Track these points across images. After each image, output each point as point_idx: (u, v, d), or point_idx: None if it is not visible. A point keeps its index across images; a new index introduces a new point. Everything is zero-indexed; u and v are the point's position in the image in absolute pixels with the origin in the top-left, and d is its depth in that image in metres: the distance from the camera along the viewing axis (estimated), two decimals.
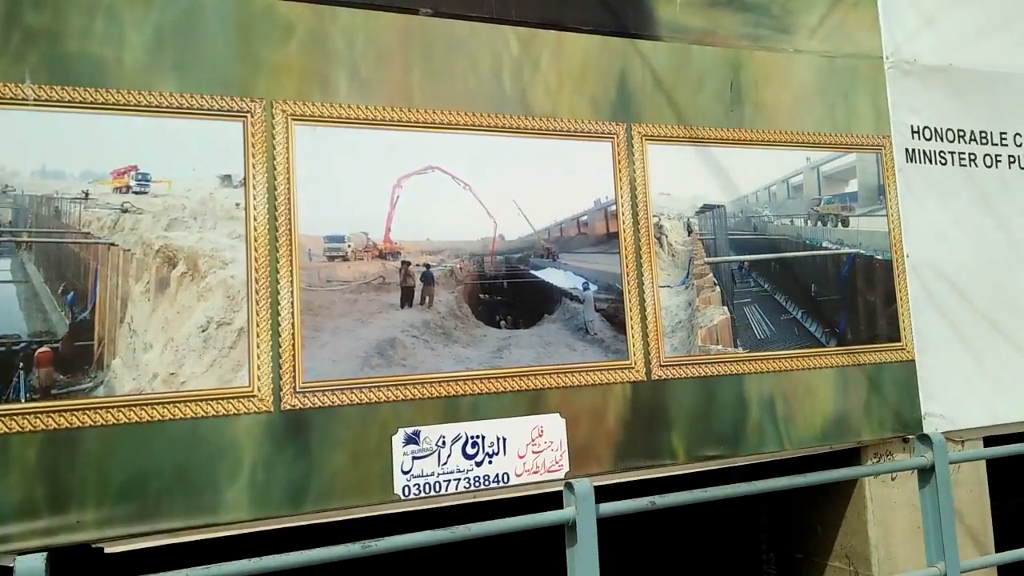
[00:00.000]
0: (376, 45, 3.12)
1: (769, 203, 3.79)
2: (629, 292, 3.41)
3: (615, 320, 3.38)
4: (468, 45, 3.28)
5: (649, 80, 3.58)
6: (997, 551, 3.90)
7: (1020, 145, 4.44)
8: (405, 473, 2.93)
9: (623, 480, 3.27)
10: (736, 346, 3.58)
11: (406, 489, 2.92)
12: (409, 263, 3.10)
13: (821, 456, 3.74)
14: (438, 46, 3.23)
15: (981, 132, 4.33)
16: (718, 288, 3.61)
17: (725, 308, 3.60)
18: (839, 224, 3.93)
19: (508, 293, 3.25)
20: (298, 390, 2.82)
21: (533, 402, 3.18)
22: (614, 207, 3.44)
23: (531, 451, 3.14)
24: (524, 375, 3.17)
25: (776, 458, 3.60)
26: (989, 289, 4.21)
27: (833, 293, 3.86)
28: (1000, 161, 4.37)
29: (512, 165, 3.30)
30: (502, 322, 3.20)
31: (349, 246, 3.01)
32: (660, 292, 3.46)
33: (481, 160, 3.25)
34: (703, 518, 4.14)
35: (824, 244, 3.89)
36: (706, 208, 3.64)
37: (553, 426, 3.19)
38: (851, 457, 3.82)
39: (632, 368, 3.36)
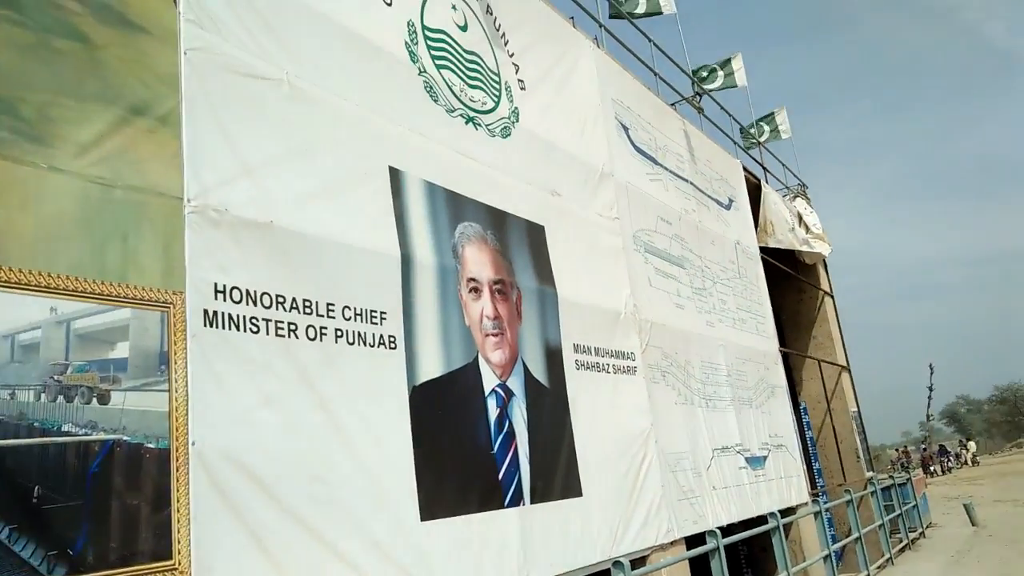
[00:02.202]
0: None
1: None
2: None
3: None
4: None
5: None
6: None
7: (349, 318, 4.09)
8: None
9: None
10: None
11: None
12: None
13: None
14: None
15: (306, 301, 3.86)
16: None
17: None
18: (94, 400, 2.91)
19: None
20: None
21: None
22: None
23: None
24: None
25: None
26: (303, 482, 3.58)
27: (72, 498, 2.76)
28: (326, 334, 3.93)
29: None
30: None
31: None
32: None
33: None
34: None
35: (66, 428, 2.81)
36: None
37: None
38: None
39: None
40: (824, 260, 15.73)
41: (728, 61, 13.88)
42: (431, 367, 4.67)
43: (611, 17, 10.53)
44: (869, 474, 14.32)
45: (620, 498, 6.25)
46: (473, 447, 4.84)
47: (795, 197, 15.34)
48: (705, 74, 13.83)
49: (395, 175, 4.78)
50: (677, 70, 11.18)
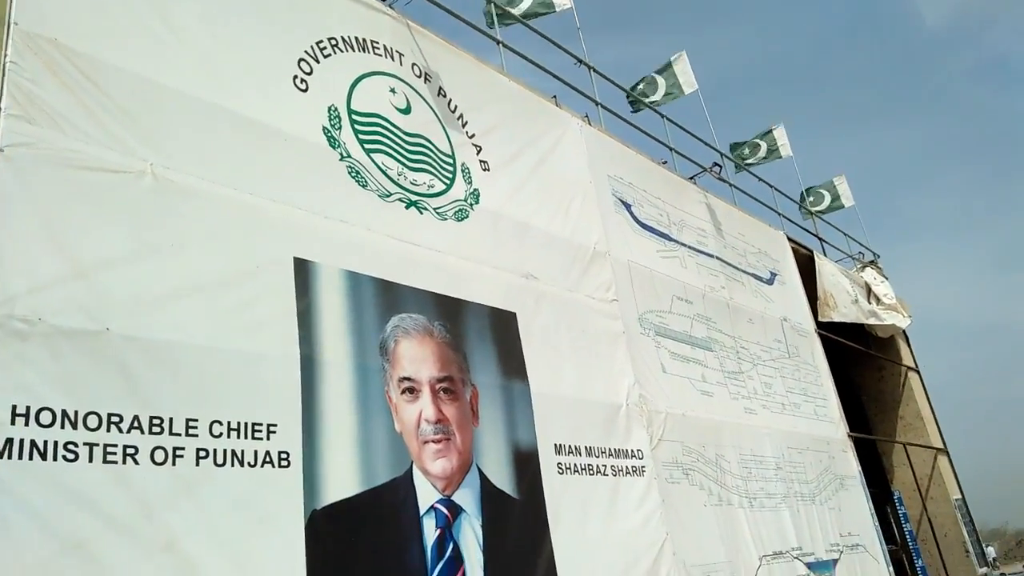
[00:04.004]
0: None
1: None
2: None
3: None
4: None
5: None
6: None
7: (219, 435, 3.53)
8: None
9: None
10: None
11: None
12: None
13: None
14: None
15: (154, 419, 3.33)
16: None
17: None
18: None
19: None
20: None
21: None
22: None
23: None
24: None
25: None
26: None
27: None
28: (181, 456, 3.37)
29: None
30: None
31: None
32: None
33: None
34: None
35: None
36: None
37: None
38: None
39: None
40: (905, 333, 14.31)
41: (769, 132, 13.17)
42: (342, 485, 4.03)
43: (633, 111, 10.11)
44: (983, 570, 12.43)
45: None
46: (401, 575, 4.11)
47: (863, 268, 14.14)
48: (746, 150, 13.13)
49: (302, 267, 4.29)
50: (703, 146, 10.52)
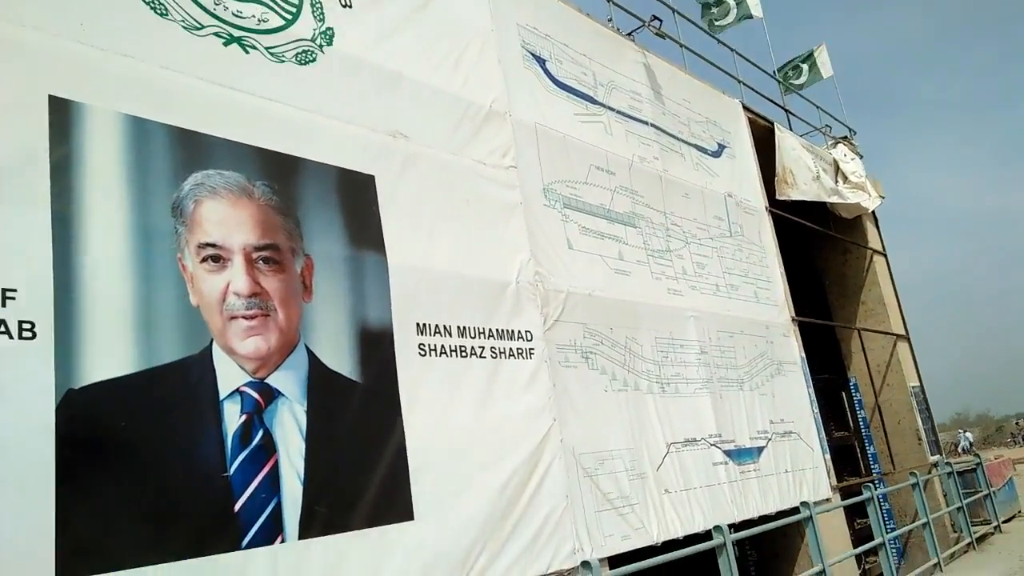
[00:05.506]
0: None
1: None
2: None
3: None
4: None
5: None
6: None
7: None
8: None
9: None
10: None
11: None
12: None
13: None
14: None
15: None
16: None
17: None
18: None
19: None
20: None
21: None
22: None
23: None
24: None
25: None
26: None
27: None
28: None
29: None
30: None
31: None
32: None
33: None
34: None
35: None
36: None
37: None
38: None
39: None
40: (874, 215, 13.59)
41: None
42: (110, 363, 3.44)
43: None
44: (934, 458, 12.22)
45: (489, 518, 4.87)
46: (186, 471, 3.58)
47: (835, 144, 13.25)
48: (714, 4, 12.02)
49: (61, 107, 3.55)
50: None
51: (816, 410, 9.28)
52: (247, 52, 4.43)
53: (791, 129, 11.82)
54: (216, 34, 4.31)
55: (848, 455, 12.71)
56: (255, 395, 3.93)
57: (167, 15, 4.10)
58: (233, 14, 4.41)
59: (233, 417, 3.81)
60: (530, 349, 5.62)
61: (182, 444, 3.60)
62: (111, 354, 3.45)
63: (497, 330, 5.43)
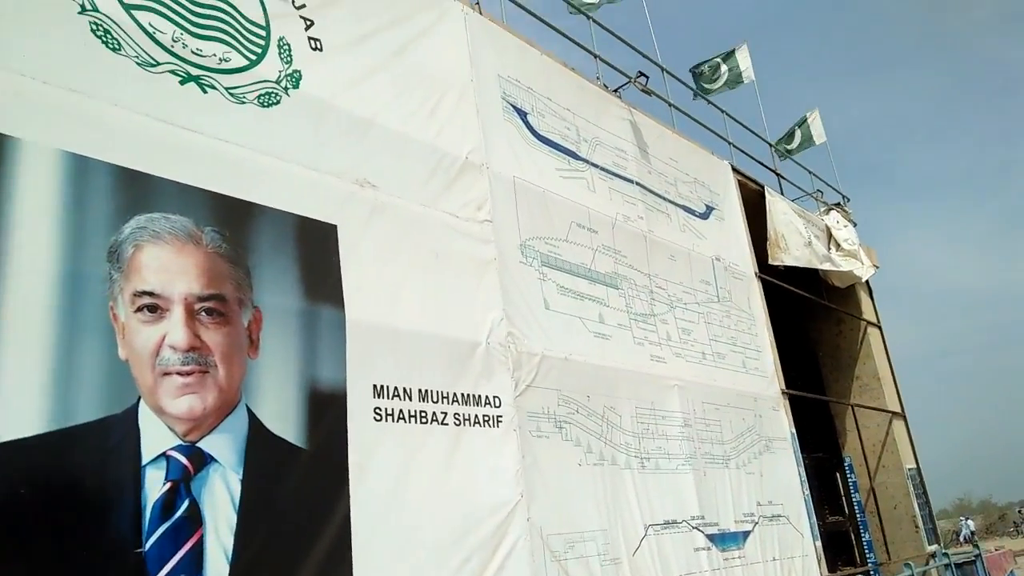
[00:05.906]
0: None
1: None
2: None
3: None
4: None
5: None
6: None
7: None
8: None
9: None
10: None
11: None
12: None
13: None
14: None
15: None
16: None
17: None
18: None
19: None
20: None
21: None
22: None
23: None
24: None
25: None
26: None
27: None
28: None
29: None
30: None
31: None
32: None
33: None
34: None
35: None
36: None
37: None
38: None
39: None
40: (868, 285, 13.36)
41: (732, 54, 11.97)
42: (18, 422, 3.10)
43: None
44: (932, 548, 11.67)
45: None
46: (94, 546, 3.21)
47: (828, 210, 13.10)
48: (706, 70, 11.98)
49: None
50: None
51: (807, 492, 8.86)
52: (205, 91, 4.20)
53: (782, 193, 11.66)
54: (172, 71, 4.08)
55: (843, 542, 12.16)
56: (183, 460, 3.57)
57: (119, 50, 3.88)
58: (193, 52, 4.19)
59: (155, 485, 3.45)
60: (498, 416, 5.28)
61: (92, 514, 3.23)
62: (23, 412, 3.12)
63: (463, 395, 5.10)
